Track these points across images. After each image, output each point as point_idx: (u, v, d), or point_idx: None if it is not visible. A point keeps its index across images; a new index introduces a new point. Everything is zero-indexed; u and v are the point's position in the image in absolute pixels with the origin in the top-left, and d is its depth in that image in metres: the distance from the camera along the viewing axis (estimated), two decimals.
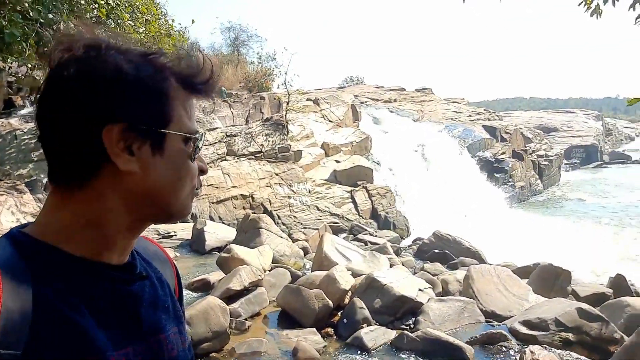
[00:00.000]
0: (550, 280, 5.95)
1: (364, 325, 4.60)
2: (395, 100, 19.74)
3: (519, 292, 5.53)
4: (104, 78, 0.61)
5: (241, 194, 10.54)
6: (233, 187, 10.61)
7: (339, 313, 4.91)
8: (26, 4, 5.04)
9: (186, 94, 0.69)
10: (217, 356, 4.17)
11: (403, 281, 5.25)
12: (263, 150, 11.72)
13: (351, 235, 10.01)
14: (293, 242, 8.40)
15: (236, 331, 4.57)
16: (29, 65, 6.48)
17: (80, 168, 0.62)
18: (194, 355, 0.80)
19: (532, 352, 3.86)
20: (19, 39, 5.00)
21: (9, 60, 5.85)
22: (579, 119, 32.69)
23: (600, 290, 6.14)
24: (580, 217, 14.63)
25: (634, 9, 4.08)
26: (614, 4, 4.09)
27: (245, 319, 4.80)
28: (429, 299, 5.10)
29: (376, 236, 9.92)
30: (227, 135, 11.54)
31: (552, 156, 21.02)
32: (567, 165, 25.56)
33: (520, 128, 21.28)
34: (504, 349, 4.33)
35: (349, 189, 11.79)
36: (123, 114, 0.62)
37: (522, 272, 6.61)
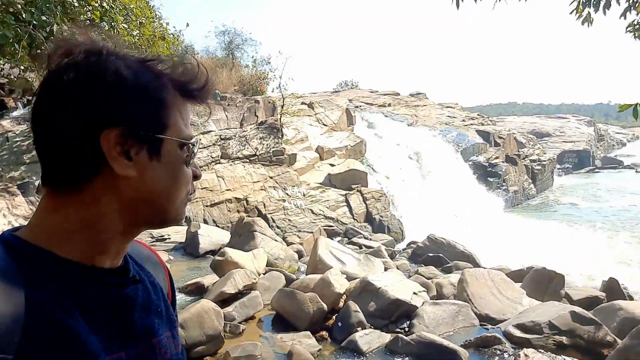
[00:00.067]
0: (543, 283, 5.98)
1: (358, 329, 4.59)
2: (389, 105, 19.79)
3: (513, 295, 5.55)
4: (104, 83, 0.62)
5: (235, 197, 10.51)
6: (227, 190, 10.57)
7: (334, 316, 4.90)
8: (19, 6, 5.01)
9: (182, 100, 0.69)
10: None
11: (397, 284, 5.25)
12: (257, 153, 11.70)
13: (346, 239, 9.99)
14: (287, 245, 8.36)
15: (230, 335, 4.54)
16: (22, 67, 6.43)
17: (77, 171, 0.62)
18: (188, 359, 0.79)
19: (526, 355, 3.88)
20: (11, 41, 4.97)
21: (1, 61, 5.80)
22: (571, 125, 33.02)
23: (594, 293, 6.17)
24: (573, 221, 14.72)
25: (625, 18, 4.14)
26: (604, 12, 4.14)
27: (240, 323, 4.77)
28: (423, 303, 5.10)
29: (371, 240, 9.90)
30: (222, 139, 11.50)
31: (545, 161, 21.18)
32: (560, 170, 25.79)
33: (514, 133, 21.41)
34: (498, 352, 4.33)
35: (344, 192, 11.80)
36: (122, 118, 0.62)
37: (516, 276, 6.64)
